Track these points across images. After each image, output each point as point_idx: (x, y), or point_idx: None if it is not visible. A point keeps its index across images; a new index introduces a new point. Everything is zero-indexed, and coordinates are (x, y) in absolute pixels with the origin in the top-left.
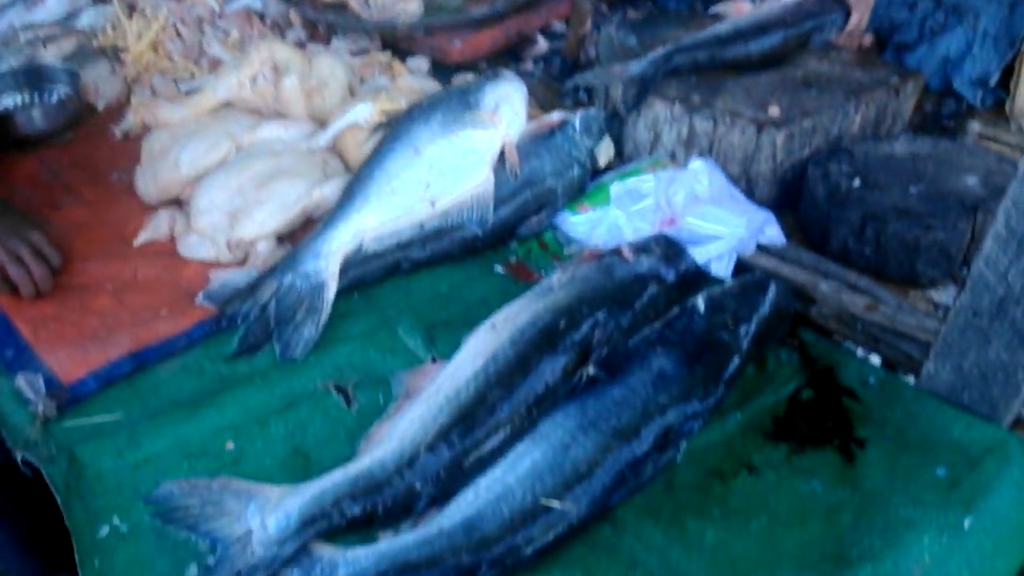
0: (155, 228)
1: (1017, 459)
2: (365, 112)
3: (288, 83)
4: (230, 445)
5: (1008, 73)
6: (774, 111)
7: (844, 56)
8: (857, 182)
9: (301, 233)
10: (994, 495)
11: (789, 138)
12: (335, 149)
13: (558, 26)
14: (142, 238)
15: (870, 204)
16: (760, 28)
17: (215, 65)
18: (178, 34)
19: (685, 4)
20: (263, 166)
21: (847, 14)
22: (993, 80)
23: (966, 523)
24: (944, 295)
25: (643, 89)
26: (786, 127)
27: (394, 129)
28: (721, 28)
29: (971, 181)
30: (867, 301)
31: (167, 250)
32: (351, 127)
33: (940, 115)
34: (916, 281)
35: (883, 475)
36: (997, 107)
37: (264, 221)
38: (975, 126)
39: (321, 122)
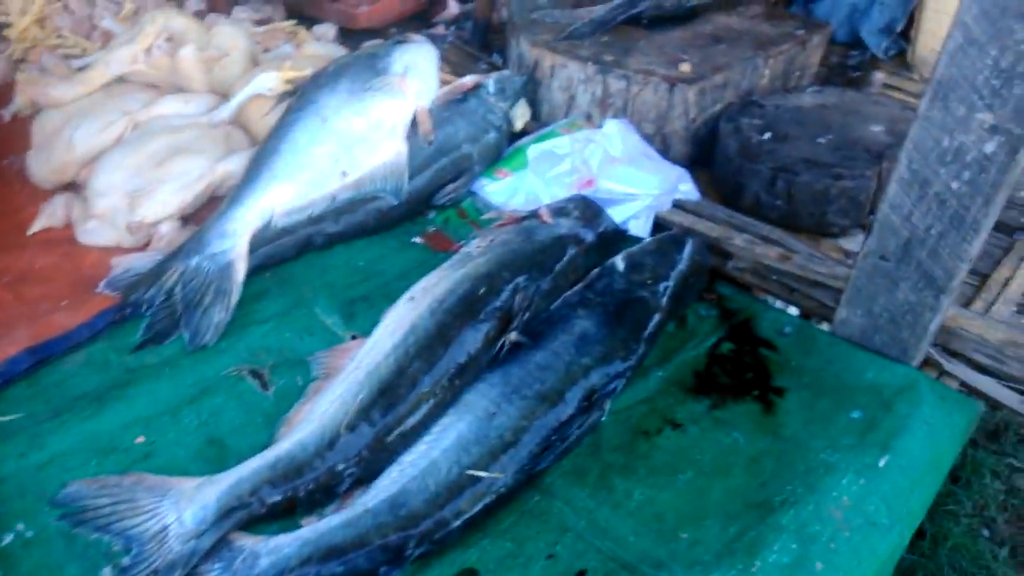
0: (51, 215)
1: (927, 398)
2: (269, 81)
3: (185, 53)
4: (140, 439)
5: (910, 24)
6: (685, 68)
7: (753, 10)
8: (767, 135)
9: (206, 212)
10: (907, 434)
11: (701, 94)
12: (239, 121)
13: None
14: (37, 226)
15: (780, 156)
16: None
17: (108, 39)
18: (66, 8)
19: None
20: (162, 143)
21: None
22: (898, 27)
23: (882, 463)
24: (854, 243)
25: (597, 30)
26: (697, 83)
27: (300, 98)
28: None
29: (876, 129)
30: (780, 252)
31: (65, 237)
32: (255, 98)
33: (846, 66)
34: (827, 230)
35: (801, 422)
36: (900, 57)
37: (166, 201)
38: (879, 76)
39: (223, 94)
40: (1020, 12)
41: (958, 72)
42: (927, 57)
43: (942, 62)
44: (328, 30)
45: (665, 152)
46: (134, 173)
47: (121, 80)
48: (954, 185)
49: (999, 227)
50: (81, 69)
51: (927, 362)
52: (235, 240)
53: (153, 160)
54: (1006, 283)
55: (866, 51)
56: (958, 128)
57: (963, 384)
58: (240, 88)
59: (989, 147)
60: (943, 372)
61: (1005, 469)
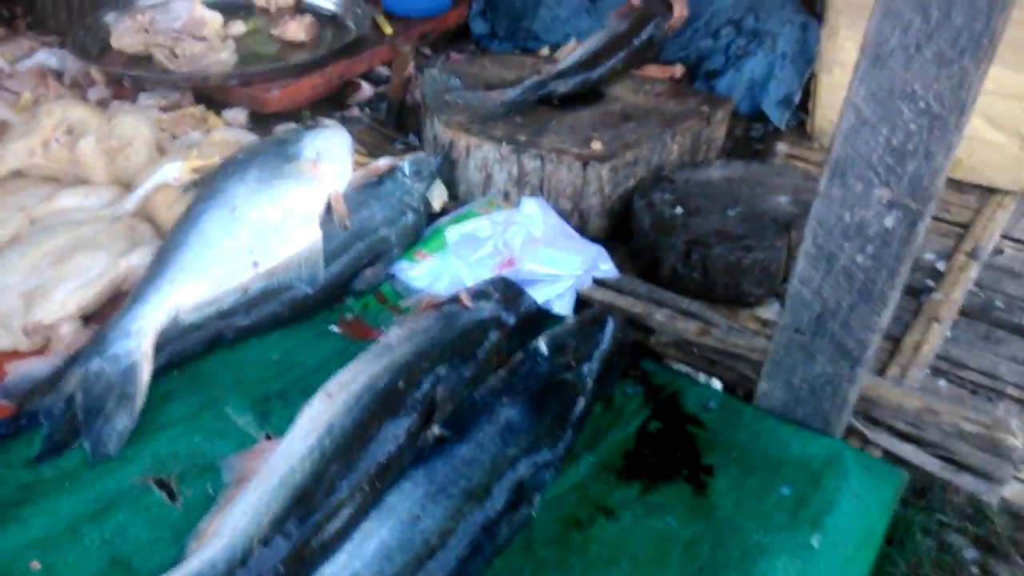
0: None
1: (854, 470)
2: (174, 171)
3: (85, 144)
4: (36, 564)
5: (807, 96)
6: (597, 146)
7: (658, 87)
8: (680, 209)
9: (109, 310)
10: (837, 509)
11: (614, 171)
12: (143, 214)
13: (381, 70)
14: None
15: (693, 230)
16: (614, 44)
17: (2, 130)
18: None
19: (507, 46)
20: (61, 239)
21: (670, 7)
22: (796, 99)
23: (814, 541)
24: (771, 312)
25: (512, 110)
26: (610, 161)
27: (208, 188)
28: (579, 54)
29: (782, 200)
30: (699, 326)
31: None
32: (160, 188)
33: (750, 138)
34: (743, 300)
35: (733, 502)
36: (800, 127)
37: (65, 300)
38: (782, 147)
39: (127, 185)
40: (906, 93)
41: (853, 151)
42: (825, 127)
43: (837, 141)
44: (238, 115)
45: (583, 228)
46: (30, 272)
47: (18, 174)
48: (859, 259)
49: (906, 290)
50: None
51: (851, 431)
52: (139, 340)
53: (51, 257)
54: (917, 346)
55: (768, 123)
56: (858, 204)
57: (886, 452)
58: (144, 179)
59: (889, 221)
60: (867, 441)
61: (935, 526)
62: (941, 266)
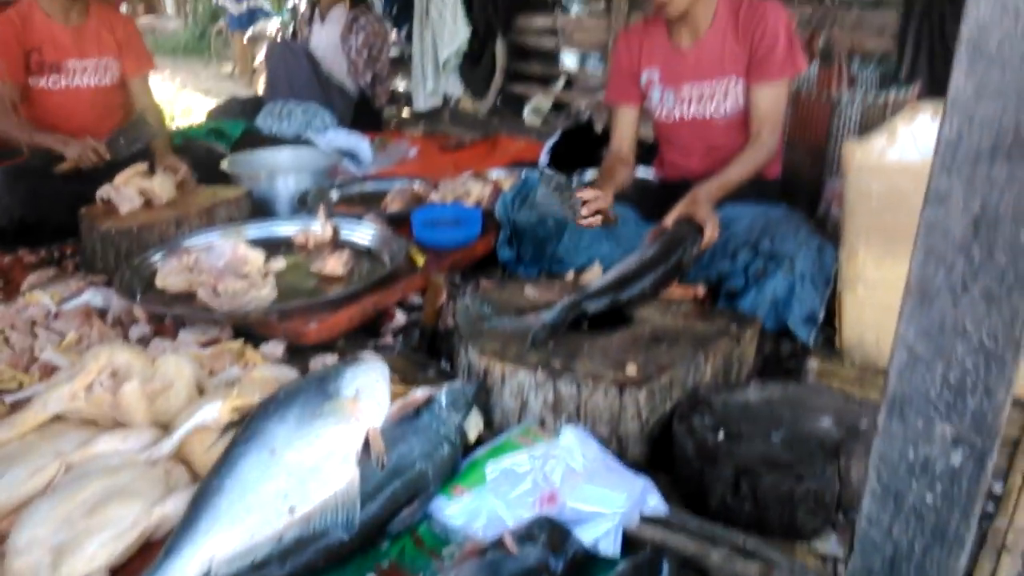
0: None
1: None
2: (213, 411)
3: (128, 389)
4: None
5: (831, 312)
6: (632, 370)
7: (684, 308)
8: (722, 435)
9: (139, 562)
10: None
11: (651, 395)
12: (180, 456)
13: (414, 299)
14: None
15: (739, 457)
16: (644, 267)
17: (47, 371)
18: (6, 341)
19: (532, 271)
20: (96, 487)
21: (701, 231)
22: (820, 316)
23: None
24: (828, 545)
25: (553, 334)
26: (646, 385)
27: (247, 429)
28: (611, 276)
29: (825, 422)
30: (760, 567)
31: None
32: (198, 430)
33: (780, 356)
34: (799, 532)
35: None
36: (828, 343)
37: (94, 555)
38: (813, 363)
39: (165, 426)
40: (958, 331)
41: (910, 387)
42: (853, 344)
43: (892, 378)
44: (276, 348)
45: (622, 454)
46: (61, 524)
47: (57, 418)
48: (928, 498)
49: None
50: (16, 405)
51: None
52: None
53: (84, 507)
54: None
55: (796, 340)
56: (921, 440)
57: None
58: (183, 420)
59: (956, 459)
60: None
61: None
62: (998, 488)
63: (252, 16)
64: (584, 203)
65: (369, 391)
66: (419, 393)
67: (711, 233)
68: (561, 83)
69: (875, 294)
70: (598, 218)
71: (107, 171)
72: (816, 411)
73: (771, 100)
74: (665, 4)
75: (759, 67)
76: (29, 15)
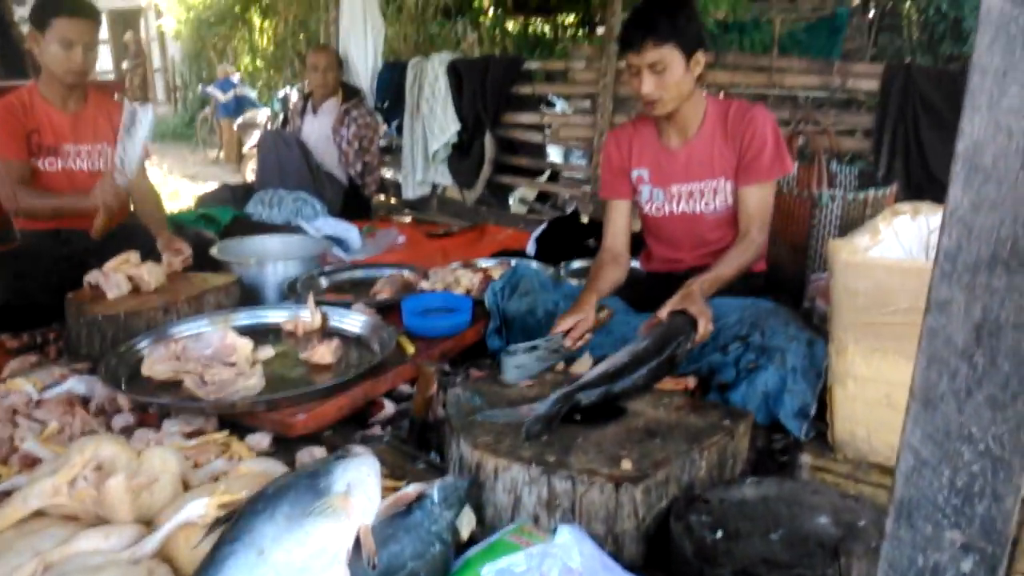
0: None
1: None
2: (199, 508)
3: (113, 484)
4: None
5: (822, 405)
6: (627, 465)
7: (676, 401)
8: (720, 534)
9: None
10: None
11: (647, 492)
12: (164, 554)
13: (403, 388)
14: None
15: (738, 557)
16: (639, 360)
17: (28, 463)
18: None
19: None
20: None
21: (694, 324)
22: (811, 411)
23: None
24: None
25: (547, 426)
26: (642, 481)
27: (234, 527)
28: (603, 368)
29: (823, 520)
30: None
31: None
32: (184, 527)
33: (773, 450)
34: None
35: None
36: (820, 437)
37: None
38: (806, 458)
39: (149, 522)
40: (963, 436)
41: (917, 492)
42: (846, 439)
43: (899, 482)
44: (262, 440)
45: (618, 553)
46: None
47: (38, 513)
48: None
49: None
50: None
51: None
52: None
53: None
54: None
55: (788, 434)
56: (930, 547)
57: None
58: (168, 516)
59: (966, 566)
60: None
61: None
62: None
63: (239, 104)
64: (566, 334)
65: (360, 486)
66: (411, 489)
67: (705, 327)
68: (546, 175)
69: (865, 390)
70: (586, 337)
71: (97, 255)
72: (813, 508)
73: (760, 200)
74: (654, 104)
75: (748, 169)
76: (30, 99)
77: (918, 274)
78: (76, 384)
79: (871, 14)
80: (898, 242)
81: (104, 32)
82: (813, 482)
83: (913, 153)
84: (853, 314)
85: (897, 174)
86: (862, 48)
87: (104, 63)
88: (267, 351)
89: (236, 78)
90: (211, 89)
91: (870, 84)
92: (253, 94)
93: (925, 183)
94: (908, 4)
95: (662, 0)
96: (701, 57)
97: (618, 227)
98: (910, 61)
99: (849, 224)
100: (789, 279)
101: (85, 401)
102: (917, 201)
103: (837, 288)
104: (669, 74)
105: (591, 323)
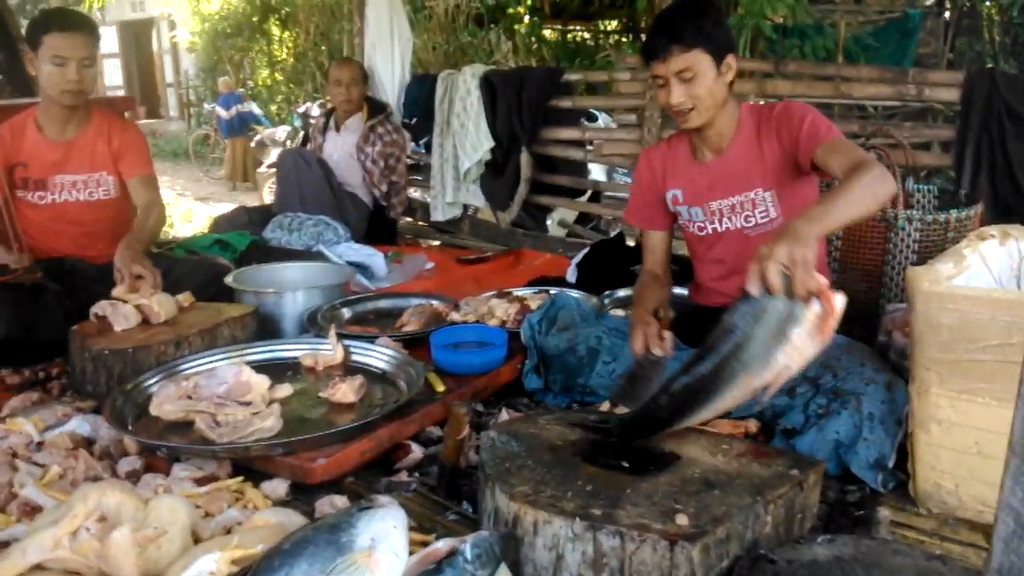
0: None
1: None
2: (209, 564)
3: (118, 537)
4: None
5: (903, 455)
6: (682, 520)
7: (736, 447)
8: None
9: None
10: None
11: (705, 551)
12: None
13: (432, 430)
14: None
15: None
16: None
17: (27, 511)
18: None
19: (562, 400)
20: None
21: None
22: (890, 461)
23: None
24: None
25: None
26: (700, 539)
27: None
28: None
29: None
30: None
31: None
32: None
33: (847, 503)
34: None
35: None
36: (901, 488)
37: None
38: (885, 513)
39: None
40: None
41: (1019, 560)
42: (930, 491)
43: (997, 548)
44: (279, 486)
45: None
46: None
47: (37, 567)
48: None
49: None
50: None
51: None
52: None
53: None
54: None
55: (864, 485)
56: None
57: None
58: (176, 573)
59: None
60: None
61: None
62: None
63: (243, 121)
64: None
65: (386, 541)
66: (441, 544)
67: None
68: (588, 195)
69: (952, 436)
70: (666, 337)
71: (104, 284)
72: (894, 571)
73: (842, 146)
74: (687, 114)
75: (806, 141)
76: (23, 127)
77: (1010, 306)
78: (80, 424)
79: (946, 15)
80: (986, 269)
81: (115, 46)
82: (893, 540)
83: (1000, 168)
84: (936, 351)
85: (982, 192)
86: (937, 53)
87: (114, 78)
88: (285, 389)
89: (239, 93)
90: (211, 106)
91: (949, 93)
92: (258, 110)
93: (1014, 202)
94: (989, 4)
95: (685, 5)
96: (732, 61)
97: (656, 258)
98: (993, 67)
99: (928, 249)
100: (861, 310)
101: (89, 443)
102: (1006, 223)
103: (918, 321)
104: (699, 81)
105: (658, 326)
